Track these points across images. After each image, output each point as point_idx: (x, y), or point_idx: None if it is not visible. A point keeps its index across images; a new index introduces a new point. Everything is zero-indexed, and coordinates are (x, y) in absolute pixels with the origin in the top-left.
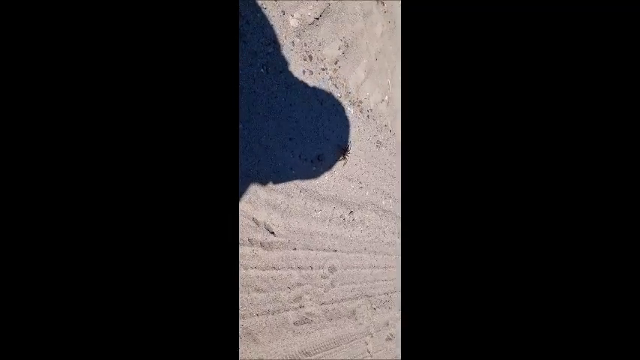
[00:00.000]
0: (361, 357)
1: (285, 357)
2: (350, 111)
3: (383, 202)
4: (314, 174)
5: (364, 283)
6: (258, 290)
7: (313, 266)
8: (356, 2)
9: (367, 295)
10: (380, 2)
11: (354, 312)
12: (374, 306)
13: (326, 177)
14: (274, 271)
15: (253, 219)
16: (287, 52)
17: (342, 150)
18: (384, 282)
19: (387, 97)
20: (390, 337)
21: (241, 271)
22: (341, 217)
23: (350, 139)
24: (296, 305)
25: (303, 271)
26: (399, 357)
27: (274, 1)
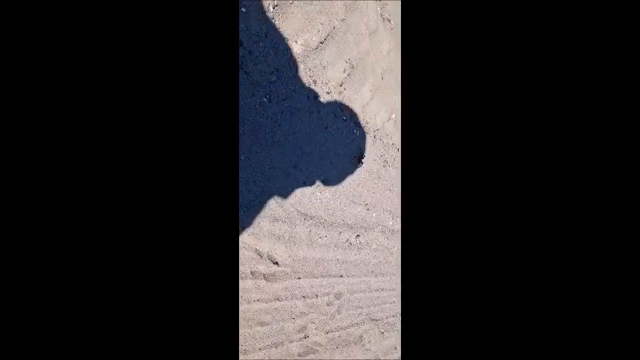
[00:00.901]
0: None
1: None
2: (356, 133)
3: (390, 223)
4: (318, 200)
5: (371, 307)
6: (261, 324)
7: (318, 294)
8: (361, 22)
9: (374, 319)
10: (386, 20)
11: (361, 337)
12: (381, 330)
13: (331, 202)
14: (278, 302)
15: (256, 251)
16: (291, 79)
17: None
18: (391, 304)
19: (393, 116)
20: None
21: (244, 305)
22: (347, 241)
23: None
24: (300, 336)
25: (308, 300)
26: None
27: (278, 28)
